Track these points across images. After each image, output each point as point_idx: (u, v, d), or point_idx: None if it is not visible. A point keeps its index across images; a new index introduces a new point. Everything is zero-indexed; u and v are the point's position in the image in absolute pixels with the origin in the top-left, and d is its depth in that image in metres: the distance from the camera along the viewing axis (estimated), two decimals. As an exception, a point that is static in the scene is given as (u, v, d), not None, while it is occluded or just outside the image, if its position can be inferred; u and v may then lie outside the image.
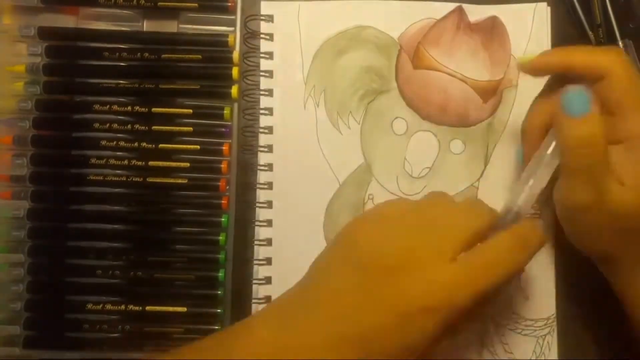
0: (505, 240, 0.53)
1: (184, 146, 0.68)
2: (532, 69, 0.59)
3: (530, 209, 0.57)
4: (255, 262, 0.67)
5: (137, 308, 0.66)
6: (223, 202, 0.68)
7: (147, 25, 0.71)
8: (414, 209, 0.56)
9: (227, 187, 0.68)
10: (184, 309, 0.67)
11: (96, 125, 0.68)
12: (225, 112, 0.68)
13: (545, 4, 0.70)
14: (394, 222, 0.55)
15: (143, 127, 0.68)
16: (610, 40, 0.69)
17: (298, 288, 0.56)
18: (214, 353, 0.53)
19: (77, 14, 0.70)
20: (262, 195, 0.68)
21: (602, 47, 0.58)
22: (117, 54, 0.68)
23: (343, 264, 0.54)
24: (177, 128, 0.68)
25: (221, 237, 0.67)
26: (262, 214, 0.68)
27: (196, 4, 0.69)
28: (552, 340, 0.67)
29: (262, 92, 0.69)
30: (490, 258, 0.52)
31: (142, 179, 0.68)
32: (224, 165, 0.68)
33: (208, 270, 0.67)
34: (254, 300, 0.67)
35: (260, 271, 0.67)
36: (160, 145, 0.68)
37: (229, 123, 0.69)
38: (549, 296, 0.67)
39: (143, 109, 0.68)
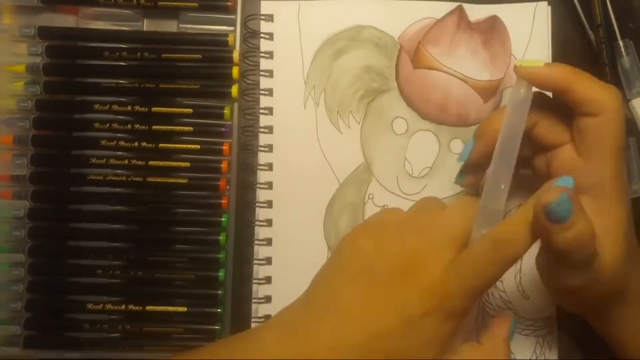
0: (487, 241, 0.52)
1: (184, 146, 0.69)
2: (531, 76, 0.55)
3: (502, 206, 0.54)
4: (255, 262, 0.67)
5: (137, 308, 0.67)
6: (223, 201, 0.68)
7: (147, 25, 0.71)
8: (410, 216, 0.56)
9: (227, 187, 0.68)
10: (184, 309, 0.67)
11: (96, 125, 0.68)
12: (225, 111, 0.69)
13: (545, 3, 0.70)
14: (393, 228, 0.56)
15: (143, 127, 0.68)
16: (611, 40, 0.69)
17: (303, 298, 0.56)
18: None
19: (77, 13, 0.70)
20: (262, 195, 0.68)
21: (605, 84, 0.55)
22: (117, 53, 0.68)
23: (346, 271, 0.55)
24: (177, 128, 0.69)
25: (221, 237, 0.68)
26: (262, 213, 0.68)
27: (196, 4, 0.69)
28: (553, 340, 0.67)
29: (262, 92, 0.69)
30: (477, 259, 0.51)
31: (142, 178, 0.68)
32: (224, 165, 0.68)
33: (208, 270, 0.68)
34: (254, 300, 0.67)
35: (260, 271, 0.67)
36: (161, 145, 0.68)
37: (229, 123, 0.69)
38: (549, 296, 0.67)
39: (143, 109, 0.68)
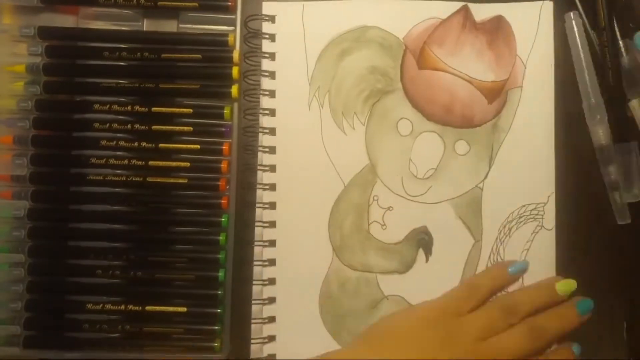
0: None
1: (184, 146, 0.69)
2: None
3: None
4: (259, 263, 0.67)
5: (137, 308, 0.68)
6: (223, 201, 0.68)
7: (147, 25, 0.72)
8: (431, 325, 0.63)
9: (227, 187, 0.69)
10: (184, 309, 0.68)
11: (96, 125, 0.68)
12: (225, 111, 0.69)
13: (551, 2, 0.70)
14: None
15: (143, 127, 0.69)
16: (614, 41, 0.69)
17: None
18: None
19: (77, 13, 0.71)
20: (265, 196, 0.68)
21: None
22: (117, 53, 0.69)
23: None
24: (177, 128, 0.69)
25: (221, 237, 0.68)
26: (265, 215, 0.68)
27: (196, 4, 0.70)
28: (556, 340, 0.68)
29: (263, 93, 0.69)
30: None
31: (142, 178, 0.69)
32: (223, 165, 0.69)
33: (208, 270, 0.68)
34: (258, 301, 0.67)
35: (264, 272, 0.68)
36: (160, 145, 0.69)
37: (229, 123, 0.69)
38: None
39: (143, 109, 0.69)
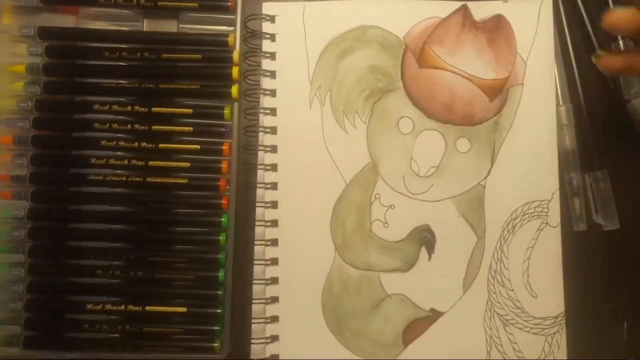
0: None
1: (184, 146, 0.69)
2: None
3: None
4: (261, 262, 0.67)
5: (137, 308, 0.68)
6: (223, 202, 0.69)
7: (147, 25, 0.72)
8: None
9: (227, 187, 0.69)
10: (184, 309, 0.68)
11: (96, 125, 0.69)
12: (225, 111, 0.69)
13: (550, 0, 0.70)
14: None
15: (143, 127, 0.69)
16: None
17: None
18: None
19: (77, 13, 0.72)
20: (267, 195, 0.68)
21: None
22: (117, 53, 0.69)
23: None
24: (177, 128, 0.69)
25: (221, 237, 0.68)
26: (267, 214, 0.68)
27: (196, 4, 0.70)
28: (561, 339, 0.67)
29: (264, 92, 0.69)
30: None
31: (142, 178, 0.69)
32: (224, 165, 0.69)
33: (208, 271, 0.69)
34: (256, 300, 0.67)
35: (266, 272, 0.68)
36: (160, 145, 0.69)
37: (229, 123, 0.70)
38: (557, 294, 0.68)
39: (143, 109, 0.69)
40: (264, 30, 0.70)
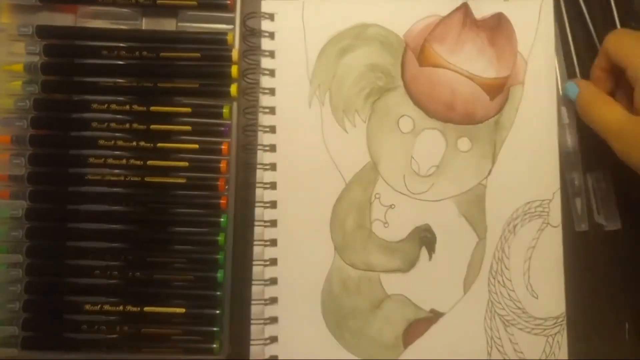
0: None
1: (183, 145, 0.69)
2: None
3: None
4: (260, 263, 0.68)
5: (135, 309, 0.68)
6: (222, 201, 0.69)
7: (145, 24, 0.72)
8: None
9: (226, 187, 0.69)
10: (183, 310, 0.68)
11: (94, 124, 0.69)
12: (224, 110, 0.69)
13: (551, -1, 0.71)
14: None
15: (141, 126, 0.69)
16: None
17: None
18: None
19: (75, 12, 0.72)
20: (266, 195, 0.69)
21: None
22: (116, 52, 0.70)
23: None
24: (176, 127, 0.70)
25: (220, 237, 0.68)
26: (266, 214, 0.68)
27: (195, 2, 0.70)
28: (562, 340, 0.68)
29: (263, 91, 0.70)
30: None
31: (140, 178, 0.69)
32: (223, 165, 0.69)
33: (207, 271, 0.69)
34: (260, 302, 0.67)
35: (265, 272, 0.68)
36: (159, 145, 0.69)
37: (228, 122, 0.70)
38: (558, 295, 0.68)
39: (141, 108, 0.69)
40: (263, 28, 0.70)
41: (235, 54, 0.70)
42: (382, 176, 0.69)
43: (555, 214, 0.68)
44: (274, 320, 0.67)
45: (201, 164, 0.70)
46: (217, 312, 0.68)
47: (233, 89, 0.69)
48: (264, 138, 0.69)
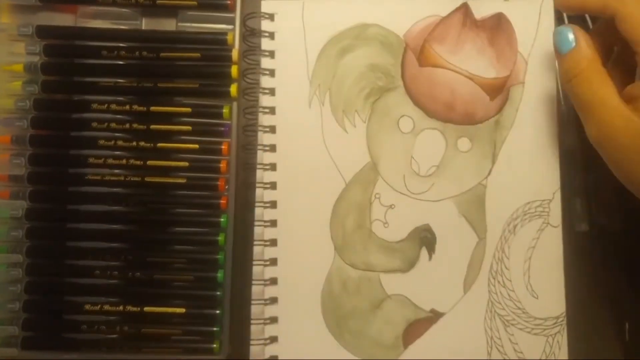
0: None
1: (183, 145, 0.70)
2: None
3: None
4: (260, 263, 0.68)
5: (135, 309, 0.68)
6: (222, 202, 0.69)
7: (145, 24, 0.73)
8: None
9: (227, 187, 0.70)
10: (183, 310, 0.68)
11: (94, 124, 0.69)
12: (224, 110, 0.70)
13: (551, -2, 0.71)
14: None
15: (141, 126, 0.70)
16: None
17: None
18: None
19: (75, 12, 0.72)
20: (266, 195, 0.69)
21: None
22: (116, 52, 0.70)
23: None
24: (176, 127, 0.70)
25: (220, 238, 0.69)
26: (266, 214, 0.69)
27: (195, 2, 0.71)
28: (562, 340, 0.68)
29: (263, 91, 0.70)
30: None
31: (140, 178, 0.70)
32: (223, 165, 0.69)
33: (207, 271, 0.69)
34: (259, 302, 0.68)
35: (265, 272, 0.68)
36: (159, 145, 0.70)
37: (228, 122, 0.70)
38: (558, 294, 0.68)
39: (141, 108, 0.70)
40: (263, 28, 0.71)
41: (235, 54, 0.70)
42: (382, 176, 0.69)
43: (556, 214, 0.69)
44: (274, 320, 0.67)
45: (201, 164, 0.70)
46: (217, 312, 0.68)
47: (233, 89, 0.70)
48: (264, 138, 0.69)
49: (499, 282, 0.68)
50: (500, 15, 0.70)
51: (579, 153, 0.70)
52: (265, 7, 0.71)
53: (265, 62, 0.71)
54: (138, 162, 0.70)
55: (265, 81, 0.70)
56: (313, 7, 0.71)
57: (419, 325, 0.68)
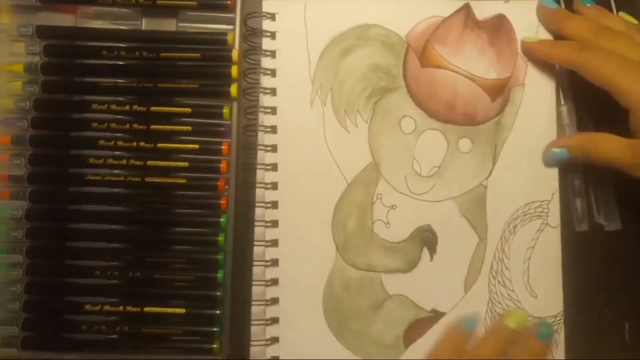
0: None
1: (183, 145, 0.70)
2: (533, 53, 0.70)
3: None
4: (261, 263, 0.68)
5: (135, 309, 0.69)
6: (222, 202, 0.70)
7: (145, 24, 0.73)
8: None
9: (227, 187, 0.70)
10: (183, 310, 0.68)
11: (94, 124, 0.70)
12: (224, 111, 0.70)
13: (552, 0, 0.71)
14: None
15: (141, 127, 0.70)
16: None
17: None
18: None
19: (75, 12, 0.72)
20: (267, 195, 0.69)
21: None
22: (116, 52, 0.70)
23: None
24: (176, 127, 0.70)
25: (220, 238, 0.69)
26: (267, 214, 0.69)
27: (195, 2, 0.71)
28: (560, 338, 0.68)
29: (264, 91, 0.70)
30: None
31: (140, 178, 0.70)
32: (223, 165, 0.70)
33: (207, 271, 0.69)
34: (255, 302, 0.68)
35: (267, 273, 0.68)
36: (159, 145, 0.70)
37: (228, 122, 0.71)
38: (556, 294, 0.69)
39: (141, 108, 0.70)
40: (264, 28, 0.71)
41: (235, 54, 0.71)
42: (384, 176, 0.70)
43: (554, 214, 0.69)
44: (275, 320, 0.68)
45: (201, 164, 0.70)
46: (218, 312, 0.69)
47: (233, 89, 0.70)
48: (265, 138, 0.70)
49: (499, 282, 0.68)
50: (501, 17, 0.71)
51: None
52: (266, 7, 0.72)
53: (267, 62, 0.71)
54: (138, 163, 0.70)
55: (267, 81, 0.71)
56: (315, 7, 0.72)
57: (420, 325, 0.68)
